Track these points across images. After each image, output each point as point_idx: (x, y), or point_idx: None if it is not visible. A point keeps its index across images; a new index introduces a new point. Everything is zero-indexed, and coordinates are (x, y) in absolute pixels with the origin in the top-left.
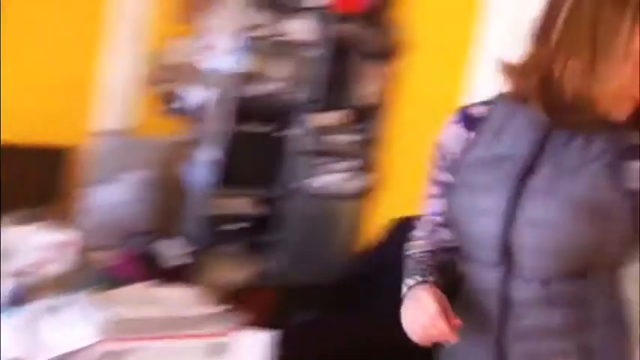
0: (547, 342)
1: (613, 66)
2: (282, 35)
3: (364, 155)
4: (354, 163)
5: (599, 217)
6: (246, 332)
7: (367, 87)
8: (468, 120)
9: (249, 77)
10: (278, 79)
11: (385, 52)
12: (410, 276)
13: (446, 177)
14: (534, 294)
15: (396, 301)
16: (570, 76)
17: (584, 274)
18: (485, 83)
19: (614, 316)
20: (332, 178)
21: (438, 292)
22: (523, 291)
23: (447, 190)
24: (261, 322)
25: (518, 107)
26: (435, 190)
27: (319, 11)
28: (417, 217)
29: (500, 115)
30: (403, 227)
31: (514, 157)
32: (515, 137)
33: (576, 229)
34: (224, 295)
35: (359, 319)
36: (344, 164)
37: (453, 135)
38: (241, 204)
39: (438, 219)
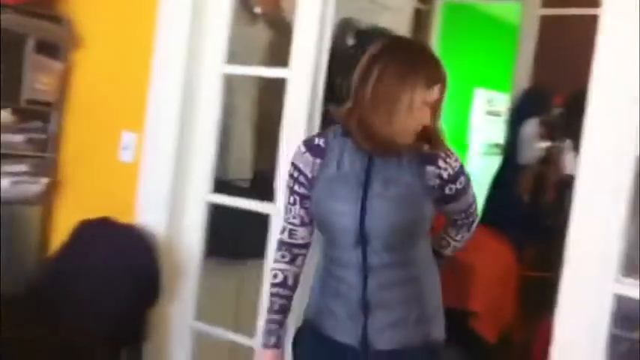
0: (392, 292)
1: (403, 116)
2: None
3: (38, 156)
4: (27, 165)
5: (413, 206)
6: None
7: (38, 83)
8: (314, 149)
9: None
10: None
11: (59, 47)
12: (263, 333)
13: (302, 190)
14: (383, 260)
15: (87, 305)
16: (378, 124)
17: (411, 245)
18: (165, 79)
19: (430, 270)
20: (2, 183)
21: None
22: (376, 260)
23: (304, 199)
24: None
25: (346, 140)
26: (292, 199)
27: None
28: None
29: (337, 145)
30: (87, 230)
31: (353, 175)
32: (351, 161)
33: (402, 216)
34: None
35: (49, 330)
36: (14, 167)
37: (305, 161)
38: None
39: (296, 220)
